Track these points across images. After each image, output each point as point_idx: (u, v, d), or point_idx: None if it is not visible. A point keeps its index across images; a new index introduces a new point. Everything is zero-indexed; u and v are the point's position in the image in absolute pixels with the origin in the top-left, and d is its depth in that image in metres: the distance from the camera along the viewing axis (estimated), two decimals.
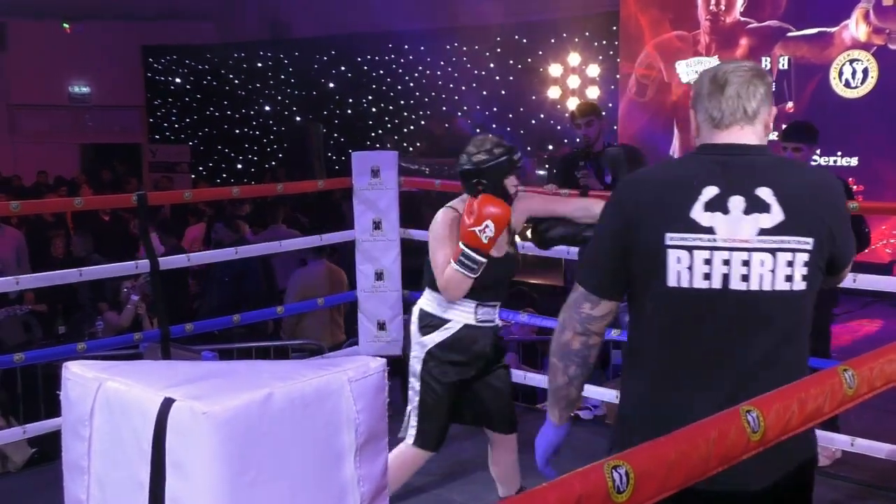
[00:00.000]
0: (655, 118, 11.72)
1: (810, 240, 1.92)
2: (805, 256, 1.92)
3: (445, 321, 3.47)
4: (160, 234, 7.87)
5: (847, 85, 10.08)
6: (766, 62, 10.69)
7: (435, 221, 3.47)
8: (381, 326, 5.52)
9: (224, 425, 1.04)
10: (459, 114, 14.41)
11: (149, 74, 18.34)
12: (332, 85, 16.34)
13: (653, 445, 1.24)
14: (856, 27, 9.98)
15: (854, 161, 10.00)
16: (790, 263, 1.91)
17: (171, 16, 16.91)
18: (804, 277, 1.93)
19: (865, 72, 9.93)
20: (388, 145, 14.02)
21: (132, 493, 1.11)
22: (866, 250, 4.92)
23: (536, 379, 5.58)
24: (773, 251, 1.91)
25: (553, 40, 12.88)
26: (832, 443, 4.32)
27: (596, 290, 2.04)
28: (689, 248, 1.92)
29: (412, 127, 15.43)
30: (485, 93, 13.95)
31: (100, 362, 1.25)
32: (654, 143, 11.40)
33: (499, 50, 13.87)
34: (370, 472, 1.16)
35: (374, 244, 5.50)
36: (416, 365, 3.50)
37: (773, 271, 1.91)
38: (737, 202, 1.92)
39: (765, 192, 1.93)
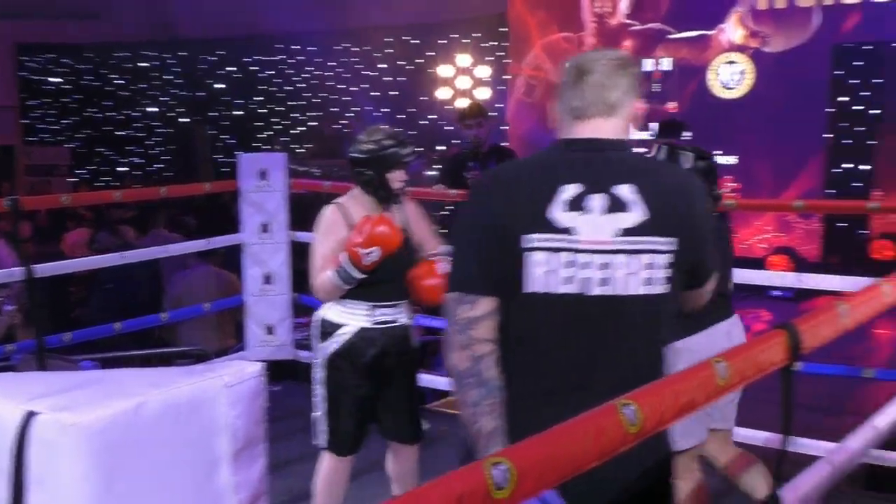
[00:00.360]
0: (544, 119, 11.89)
1: (672, 240, 1.83)
2: (666, 258, 1.83)
3: (340, 326, 3.39)
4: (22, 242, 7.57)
5: (725, 86, 10.44)
6: (649, 63, 10.98)
7: (320, 216, 3.43)
8: (270, 330, 5.46)
9: (93, 437, 1.00)
10: (350, 115, 14.35)
11: (23, 73, 17.63)
12: (219, 86, 16.06)
13: (532, 442, 1.25)
14: (732, 30, 10.34)
15: (733, 160, 10.36)
16: (650, 265, 1.82)
17: (47, 13, 16.29)
18: (666, 280, 1.85)
19: (742, 73, 10.31)
20: (278, 147, 13.85)
21: None
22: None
23: (426, 379, 5.60)
24: (632, 252, 1.81)
25: (443, 41, 12.95)
26: None
27: (469, 287, 1.84)
28: (550, 251, 1.80)
29: (302, 128, 15.28)
30: (375, 94, 13.93)
31: None
32: (543, 143, 11.51)
33: (389, 51, 13.87)
34: (247, 479, 1.13)
35: (262, 247, 5.44)
36: (317, 371, 3.44)
37: (633, 274, 1.82)
38: (597, 201, 1.81)
39: (625, 190, 1.83)
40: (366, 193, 3.42)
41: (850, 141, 9.82)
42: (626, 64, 1.94)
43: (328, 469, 3.50)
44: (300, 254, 5.46)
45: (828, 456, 2.11)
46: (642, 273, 1.82)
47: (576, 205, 1.81)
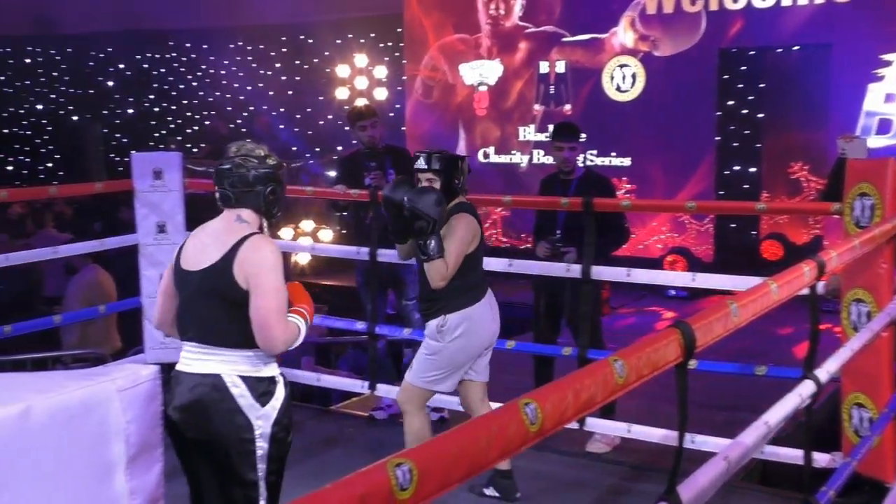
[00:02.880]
0: (441, 119, 11.96)
1: None
2: None
3: (274, 380, 2.82)
4: None
5: (618, 89, 10.66)
6: (544, 66, 11.13)
7: (264, 256, 2.76)
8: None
9: None
10: (245, 114, 14.14)
11: None
12: (110, 83, 15.62)
13: (435, 442, 1.25)
14: (623, 34, 10.57)
15: (627, 161, 10.59)
16: None
17: None
18: None
19: (634, 76, 10.54)
20: (172, 146, 13.55)
21: None
22: (625, 244, 5.24)
23: (331, 381, 5.56)
24: None
25: (339, 41, 12.88)
26: (612, 430, 4.55)
27: None
28: None
29: (196, 127, 14.99)
30: (272, 93, 13.77)
31: None
32: (441, 143, 11.62)
33: (284, 50, 13.73)
34: (143, 484, 1.10)
35: (158, 248, 5.31)
36: (262, 444, 2.74)
37: None
38: None
39: None
40: (261, 217, 2.92)
41: (738, 143, 10.16)
42: None
43: None
44: None
45: (722, 452, 2.16)
46: None
47: None
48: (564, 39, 11.02)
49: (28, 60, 16.10)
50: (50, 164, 16.05)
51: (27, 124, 16.39)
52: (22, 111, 16.34)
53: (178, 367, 2.75)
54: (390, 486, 1.16)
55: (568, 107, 11.02)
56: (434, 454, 1.23)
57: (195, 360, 2.72)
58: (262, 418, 2.71)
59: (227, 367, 2.71)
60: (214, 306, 2.74)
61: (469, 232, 3.78)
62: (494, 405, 4.12)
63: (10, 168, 16.50)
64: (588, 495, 4.27)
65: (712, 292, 6.97)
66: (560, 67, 11.06)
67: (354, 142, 5.76)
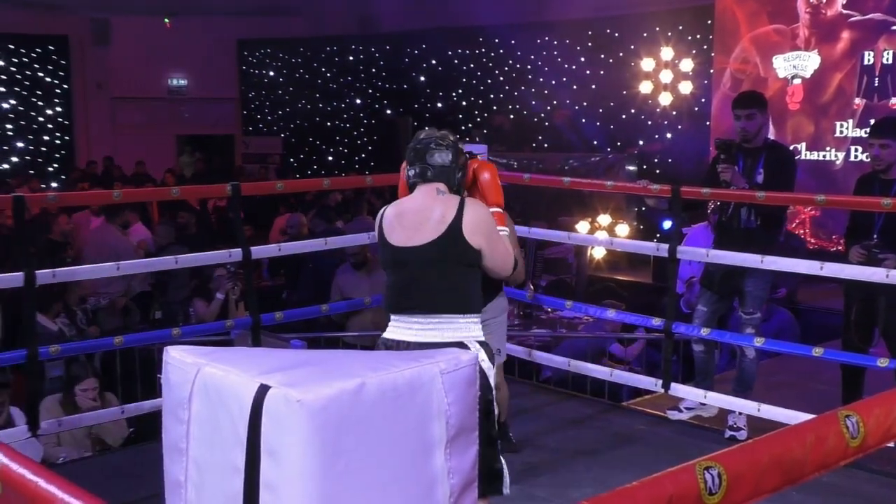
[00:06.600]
0: None
1: None
2: None
3: (486, 343, 3.01)
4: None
5: None
6: (869, 56, 10.34)
7: (484, 213, 3.00)
8: None
9: (317, 413, 1.06)
10: (549, 108, 14.32)
11: (243, 67, 18.72)
12: (422, 79, 16.40)
13: (747, 448, 1.22)
14: None
15: None
16: None
17: (265, 11, 17.22)
18: None
19: None
20: (478, 139, 14.00)
21: (228, 476, 1.14)
22: None
23: (624, 377, 5.51)
24: None
25: (645, 34, 12.70)
26: None
27: None
28: None
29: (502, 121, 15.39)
30: (575, 87, 13.83)
31: (198, 348, 1.28)
32: None
33: (590, 44, 13.73)
34: (460, 465, 1.16)
35: None
36: (496, 403, 2.95)
37: None
38: None
39: None
40: (450, 191, 3.12)
41: None
42: None
43: None
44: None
45: None
46: None
47: None
48: (895, 27, 10.17)
49: (350, 58, 17.29)
50: (364, 156, 17.16)
51: (346, 118, 17.62)
52: (343, 105, 17.59)
53: (401, 339, 2.94)
54: (699, 489, 1.15)
55: (894, 100, 10.17)
56: (745, 460, 1.20)
57: (426, 329, 2.89)
58: (493, 379, 2.88)
59: (465, 333, 2.88)
60: (448, 274, 2.92)
61: None
62: (789, 413, 3.93)
63: (329, 158, 17.84)
64: None
65: None
66: (887, 58, 10.21)
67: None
